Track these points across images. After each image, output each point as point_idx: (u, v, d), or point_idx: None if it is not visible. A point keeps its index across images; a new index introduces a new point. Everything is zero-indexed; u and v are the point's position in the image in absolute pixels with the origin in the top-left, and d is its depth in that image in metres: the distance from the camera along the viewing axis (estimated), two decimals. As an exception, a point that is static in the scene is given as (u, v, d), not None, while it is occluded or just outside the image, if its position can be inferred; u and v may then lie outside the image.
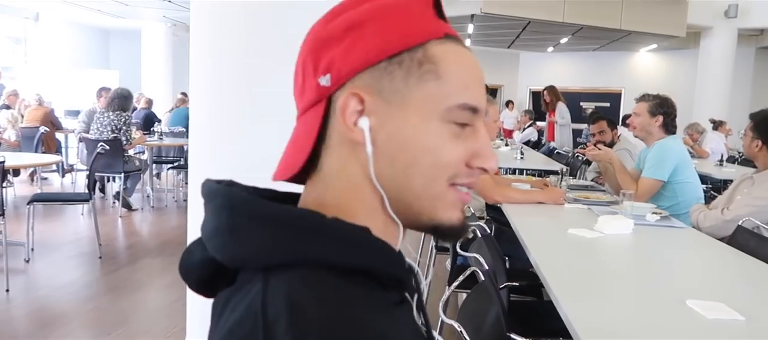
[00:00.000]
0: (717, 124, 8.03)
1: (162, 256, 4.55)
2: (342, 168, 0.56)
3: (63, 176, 8.03)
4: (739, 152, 7.35)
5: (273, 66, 2.30)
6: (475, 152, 0.56)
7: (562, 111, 8.06)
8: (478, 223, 2.42)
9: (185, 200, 6.21)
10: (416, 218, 0.56)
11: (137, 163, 6.32)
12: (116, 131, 5.84)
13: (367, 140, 0.53)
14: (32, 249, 4.41)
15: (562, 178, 3.52)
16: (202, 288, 0.57)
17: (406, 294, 0.57)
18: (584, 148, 3.98)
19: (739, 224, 2.56)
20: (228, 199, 0.52)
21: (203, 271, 0.55)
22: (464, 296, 1.92)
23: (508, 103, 13.72)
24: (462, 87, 0.55)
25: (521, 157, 5.75)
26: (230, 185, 0.55)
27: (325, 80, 0.54)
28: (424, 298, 0.64)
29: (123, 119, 5.92)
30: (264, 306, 0.46)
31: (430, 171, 0.54)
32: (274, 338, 0.44)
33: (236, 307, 0.49)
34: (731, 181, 3.15)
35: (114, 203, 6.36)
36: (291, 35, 2.41)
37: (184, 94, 8.79)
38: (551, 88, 8.27)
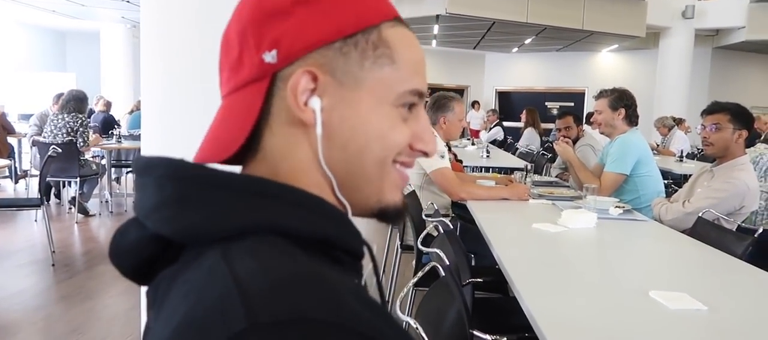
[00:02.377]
0: (677, 122, 8.21)
1: (119, 262, 4.38)
2: (288, 150, 0.53)
3: (16, 182, 7.71)
4: (698, 148, 7.52)
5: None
6: (417, 135, 0.56)
7: (527, 137, 8.11)
8: (441, 219, 2.37)
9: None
10: (365, 201, 0.55)
11: (94, 167, 6.10)
12: (71, 134, 5.62)
13: (318, 122, 0.51)
14: (-20, 258, 4.20)
15: (526, 174, 3.51)
16: (136, 273, 0.51)
17: (357, 279, 0.53)
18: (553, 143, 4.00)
19: (700, 215, 2.58)
20: (172, 169, 0.48)
21: (140, 253, 0.50)
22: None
23: (474, 104, 13.80)
24: (413, 72, 0.55)
25: (487, 156, 5.77)
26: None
27: (270, 57, 0.51)
28: (382, 282, 0.61)
29: (79, 121, 5.70)
30: (231, 268, 0.41)
31: (381, 153, 0.53)
32: (251, 295, 0.39)
33: (189, 280, 0.44)
34: (691, 176, 3.17)
35: (70, 208, 6.12)
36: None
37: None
38: (530, 110, 8.41)
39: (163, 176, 0.48)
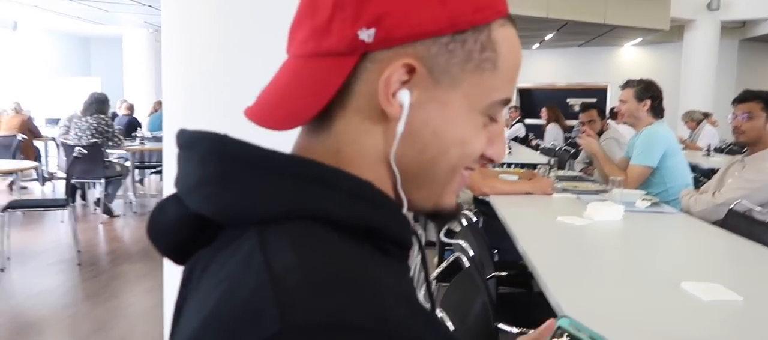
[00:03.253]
0: (705, 116, 8.04)
1: (143, 261, 4.43)
2: (358, 135, 0.48)
3: (43, 184, 7.85)
4: (726, 142, 7.35)
5: (247, 60, 2.23)
6: (491, 141, 0.52)
7: (552, 134, 8.13)
8: (464, 212, 2.34)
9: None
10: (423, 201, 0.52)
11: (118, 168, 6.19)
12: (97, 135, 5.71)
13: (403, 118, 0.47)
14: (8, 258, 4.28)
15: (550, 169, 3.45)
16: (174, 252, 0.49)
17: (409, 270, 0.52)
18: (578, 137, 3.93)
19: (731, 208, 2.50)
20: (217, 144, 0.45)
21: (179, 231, 0.47)
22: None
23: (497, 100, 13.72)
24: (509, 80, 0.51)
25: (509, 152, 5.72)
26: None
27: (366, 35, 0.45)
28: (430, 275, 0.59)
29: (103, 122, 5.78)
30: (267, 259, 0.39)
31: (457, 161, 0.50)
32: (287, 294, 0.36)
33: (225, 265, 0.41)
34: (717, 170, 3.09)
35: (95, 209, 6.22)
36: (265, 27, 2.32)
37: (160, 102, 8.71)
38: (551, 108, 8.56)
39: (207, 151, 0.45)
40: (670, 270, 1.70)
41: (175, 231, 0.48)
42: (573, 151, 6.16)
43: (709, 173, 5.25)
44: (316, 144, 0.49)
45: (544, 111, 8.68)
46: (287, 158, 0.46)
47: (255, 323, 0.35)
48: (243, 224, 0.43)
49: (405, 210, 0.51)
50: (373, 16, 0.45)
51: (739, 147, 2.77)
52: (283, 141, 0.53)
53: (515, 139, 8.52)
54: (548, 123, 8.38)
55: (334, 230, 0.43)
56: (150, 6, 9.41)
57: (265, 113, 0.49)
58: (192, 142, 0.46)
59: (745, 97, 2.64)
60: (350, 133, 0.48)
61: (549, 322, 0.61)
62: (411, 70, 0.46)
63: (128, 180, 6.58)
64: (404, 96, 0.46)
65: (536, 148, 7.22)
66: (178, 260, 0.49)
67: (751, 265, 1.79)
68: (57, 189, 7.15)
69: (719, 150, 7.00)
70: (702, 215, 2.57)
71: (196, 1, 2.35)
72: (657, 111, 3.15)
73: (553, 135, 8.10)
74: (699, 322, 1.25)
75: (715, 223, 2.43)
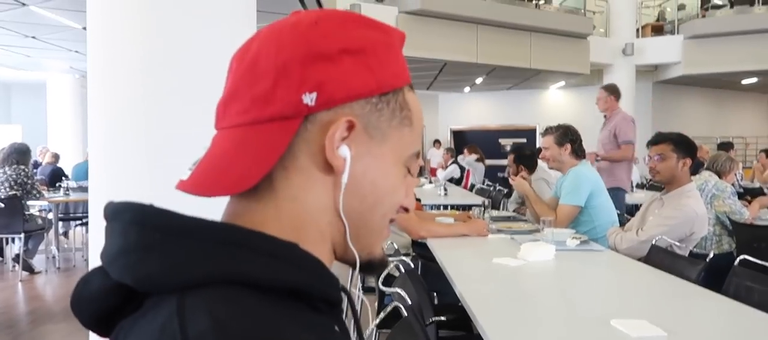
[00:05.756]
0: (624, 154, 8.48)
1: (67, 321, 4.16)
2: (301, 192, 0.52)
3: (-45, 241, 7.30)
4: (647, 179, 7.77)
5: (175, 106, 2.20)
6: (405, 192, 0.59)
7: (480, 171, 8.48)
8: (401, 258, 2.36)
9: (95, 259, 5.76)
10: (359, 252, 0.56)
11: (40, 221, 5.85)
12: (16, 187, 5.40)
13: (347, 170, 0.52)
14: None
15: (484, 210, 3.55)
16: (98, 324, 0.49)
17: (337, 326, 0.52)
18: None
19: (653, 243, 2.64)
20: (138, 213, 0.46)
21: (102, 302, 0.48)
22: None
23: (436, 142, 14.02)
24: (419, 136, 0.59)
25: (445, 194, 5.82)
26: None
27: (309, 98, 0.51)
28: (362, 332, 0.61)
29: (23, 173, 5.48)
30: (182, 325, 0.40)
31: (389, 210, 0.56)
32: None
33: (143, 331, 0.43)
34: (641, 205, 3.27)
35: (14, 266, 5.82)
36: (193, 73, 2.32)
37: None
38: (472, 147, 8.88)
39: (129, 221, 0.46)
40: (601, 308, 1.77)
41: (98, 300, 0.48)
42: (506, 191, 6.35)
43: (634, 209, 5.53)
44: (253, 206, 0.51)
45: (468, 150, 9.07)
46: (207, 224, 0.47)
47: None
48: (164, 292, 0.44)
49: (331, 266, 0.53)
50: (315, 82, 0.51)
51: (658, 184, 2.96)
52: (210, 205, 0.55)
53: (451, 180, 8.69)
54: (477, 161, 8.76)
55: (256, 292, 0.44)
56: (76, 52, 9.10)
57: (209, 182, 0.50)
58: (116, 214, 0.47)
59: (656, 140, 2.83)
60: (292, 191, 0.52)
61: None
62: (350, 127, 0.51)
63: (51, 233, 6.23)
64: (345, 150, 0.52)
65: (472, 188, 7.38)
66: (103, 332, 0.50)
67: (673, 299, 1.89)
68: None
69: (641, 186, 7.39)
70: (627, 252, 2.71)
71: (122, 47, 2.31)
72: (578, 152, 3.32)
73: (480, 171, 8.50)
74: (628, 359, 1.31)
75: (639, 258, 2.56)
